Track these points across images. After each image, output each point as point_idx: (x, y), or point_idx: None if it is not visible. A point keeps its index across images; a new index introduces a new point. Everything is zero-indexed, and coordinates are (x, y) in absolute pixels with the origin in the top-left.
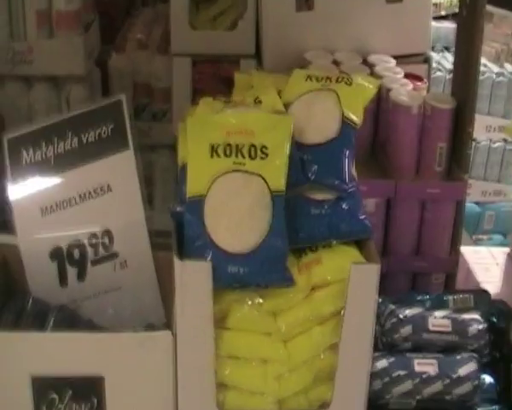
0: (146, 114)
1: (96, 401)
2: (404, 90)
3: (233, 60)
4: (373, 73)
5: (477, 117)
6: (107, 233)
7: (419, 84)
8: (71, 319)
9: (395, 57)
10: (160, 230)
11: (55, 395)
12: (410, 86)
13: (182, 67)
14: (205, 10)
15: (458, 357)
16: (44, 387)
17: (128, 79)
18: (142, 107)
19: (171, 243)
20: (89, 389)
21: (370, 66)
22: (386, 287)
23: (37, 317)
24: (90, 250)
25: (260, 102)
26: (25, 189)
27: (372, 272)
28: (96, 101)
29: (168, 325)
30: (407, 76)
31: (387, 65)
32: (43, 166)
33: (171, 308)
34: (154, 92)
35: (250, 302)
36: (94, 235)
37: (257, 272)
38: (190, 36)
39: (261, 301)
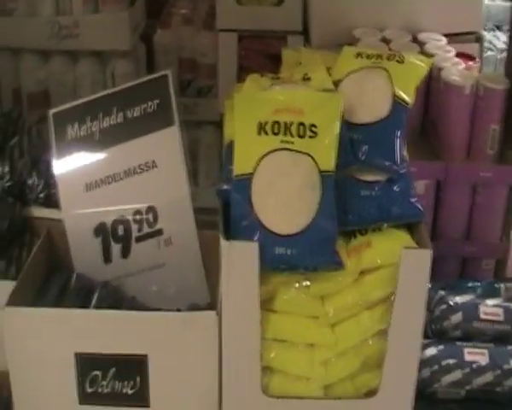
0: (191, 90)
1: (139, 379)
2: (455, 70)
3: (280, 36)
4: (423, 52)
5: None
6: (152, 210)
7: (471, 63)
8: (114, 296)
9: (446, 36)
10: (204, 207)
11: (98, 373)
12: (462, 66)
13: (228, 42)
14: None
15: (510, 347)
16: (88, 364)
17: (173, 54)
18: (187, 82)
19: (215, 220)
20: (132, 367)
21: (420, 44)
22: (434, 271)
23: (81, 293)
24: (134, 227)
25: (309, 79)
26: (69, 164)
27: (424, 257)
28: (141, 76)
29: (212, 305)
30: (458, 55)
31: (438, 43)
32: (88, 142)
33: (215, 288)
34: (199, 68)
35: (297, 285)
36: (138, 211)
37: (305, 254)
38: (236, 11)
39: (308, 283)
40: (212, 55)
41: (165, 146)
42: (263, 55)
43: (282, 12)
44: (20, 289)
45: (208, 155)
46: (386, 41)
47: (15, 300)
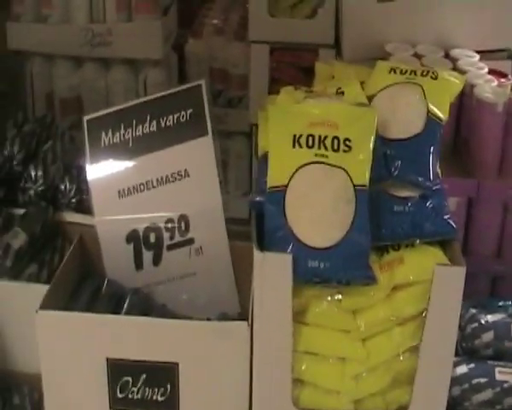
0: (221, 100)
1: (169, 387)
2: (488, 87)
3: (311, 49)
4: (456, 68)
5: None
6: (184, 218)
7: (503, 80)
8: (145, 303)
9: (478, 52)
10: (233, 217)
11: (129, 378)
12: (495, 83)
13: (259, 54)
14: None
15: None
16: (119, 369)
17: (204, 64)
18: (218, 93)
19: (244, 230)
20: (163, 374)
21: (453, 60)
22: (464, 289)
23: (112, 299)
24: (165, 235)
25: (342, 93)
26: (103, 170)
27: (457, 274)
28: (173, 85)
29: (243, 315)
30: (491, 72)
31: (471, 60)
32: (122, 149)
33: (245, 298)
34: (230, 78)
35: (329, 298)
36: (170, 220)
37: (338, 268)
38: (269, 23)
39: (341, 297)
40: (243, 65)
41: (198, 156)
42: (294, 67)
43: (314, 25)
44: (53, 293)
45: (238, 165)
46: (418, 56)
47: (48, 303)
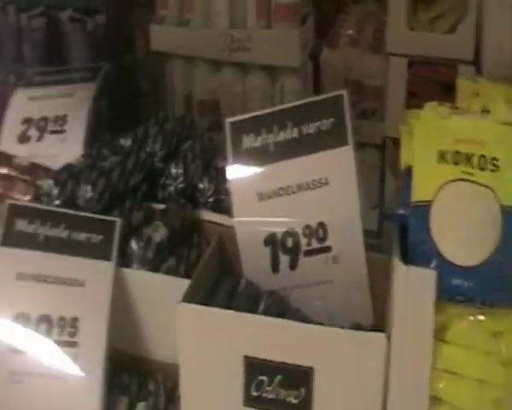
0: (355, 111)
1: (303, 391)
2: None
3: (450, 64)
4: None
5: None
6: (322, 226)
7: None
8: (280, 306)
9: None
10: (365, 229)
11: (264, 378)
12: None
13: (398, 67)
14: (423, 11)
15: None
16: (255, 368)
17: (339, 74)
18: (352, 104)
19: (374, 242)
20: (298, 378)
21: None
22: None
23: (249, 299)
24: (303, 241)
25: (488, 111)
26: (243, 172)
27: None
28: (308, 94)
29: (375, 326)
30: None
31: None
32: (262, 153)
33: (379, 311)
34: (365, 90)
35: (471, 318)
36: (308, 226)
37: (482, 289)
38: (407, 36)
39: (483, 318)
40: (378, 78)
41: (338, 165)
42: (431, 82)
43: (453, 40)
44: (194, 287)
45: (370, 177)
46: None
47: (189, 297)
